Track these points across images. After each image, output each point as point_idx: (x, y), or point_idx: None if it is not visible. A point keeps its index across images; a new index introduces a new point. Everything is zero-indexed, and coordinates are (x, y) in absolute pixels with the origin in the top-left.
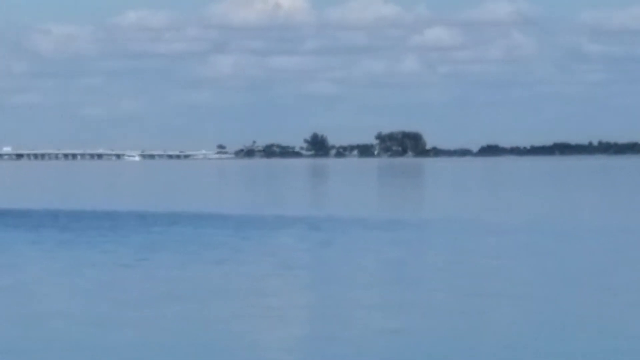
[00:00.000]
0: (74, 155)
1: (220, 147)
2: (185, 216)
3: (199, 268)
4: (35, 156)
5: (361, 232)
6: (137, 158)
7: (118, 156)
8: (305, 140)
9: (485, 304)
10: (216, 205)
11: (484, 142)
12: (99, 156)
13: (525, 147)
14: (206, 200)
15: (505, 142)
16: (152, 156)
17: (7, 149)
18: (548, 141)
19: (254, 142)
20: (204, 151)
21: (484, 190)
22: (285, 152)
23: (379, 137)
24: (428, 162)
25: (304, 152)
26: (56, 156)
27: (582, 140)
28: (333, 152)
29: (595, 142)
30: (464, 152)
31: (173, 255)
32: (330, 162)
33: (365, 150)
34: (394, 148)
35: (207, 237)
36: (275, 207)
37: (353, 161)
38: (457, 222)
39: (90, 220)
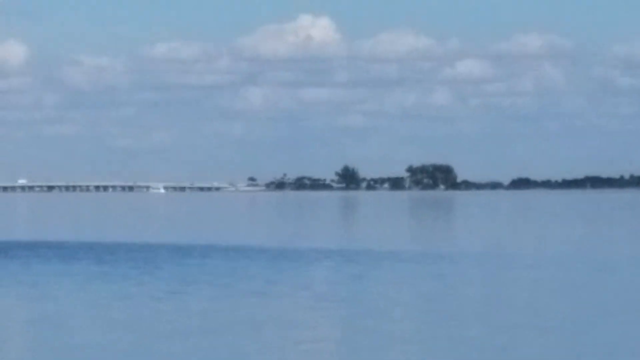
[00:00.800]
0: (105, 187)
1: (251, 179)
2: (218, 249)
3: (233, 301)
4: (67, 188)
5: (395, 265)
6: (162, 190)
7: (148, 188)
8: (336, 173)
9: (520, 338)
10: (249, 238)
11: (515, 175)
12: (130, 188)
13: (556, 180)
14: (238, 233)
15: (536, 175)
16: (182, 188)
17: (39, 181)
18: (579, 174)
19: (285, 174)
20: (234, 183)
21: (516, 223)
22: (316, 184)
23: (410, 169)
24: (459, 195)
25: (334, 184)
26: (87, 188)
27: (614, 173)
28: (364, 184)
29: (627, 176)
30: (494, 185)
31: (207, 288)
32: (361, 195)
33: (396, 183)
34: (425, 181)
35: (241, 269)
36: (307, 239)
37: (384, 194)
38: (491, 255)
39: (124, 252)
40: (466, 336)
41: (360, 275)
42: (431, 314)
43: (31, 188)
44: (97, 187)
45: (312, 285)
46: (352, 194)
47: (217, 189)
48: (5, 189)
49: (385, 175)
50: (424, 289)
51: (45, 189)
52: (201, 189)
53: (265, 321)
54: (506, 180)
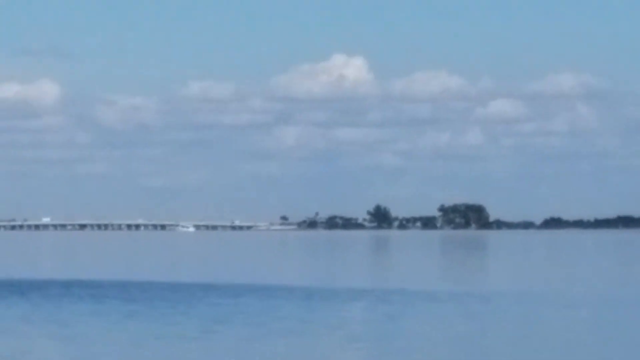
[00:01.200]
0: (137, 226)
1: (283, 218)
2: (251, 288)
3: (267, 340)
4: (99, 226)
5: (428, 305)
6: (191, 229)
7: (177, 227)
8: (368, 212)
9: None
10: (281, 277)
11: (547, 215)
12: (162, 227)
13: (588, 220)
14: (271, 272)
15: (568, 215)
16: (215, 227)
17: (72, 220)
18: (612, 214)
19: (317, 213)
20: (267, 222)
21: (549, 263)
22: (348, 223)
23: (442, 209)
24: (491, 234)
25: (366, 223)
26: (119, 226)
27: None
28: (396, 224)
29: None
30: (527, 225)
31: (240, 328)
32: (393, 234)
33: (428, 223)
34: (457, 220)
35: (274, 309)
36: (340, 279)
37: (416, 233)
38: (524, 295)
39: (156, 291)
40: None
41: (393, 315)
42: (466, 355)
43: (63, 226)
44: (128, 226)
45: (346, 324)
46: (384, 233)
47: (249, 227)
48: (37, 227)
49: (417, 214)
50: (458, 329)
51: (77, 227)
52: (233, 227)
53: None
54: (538, 220)
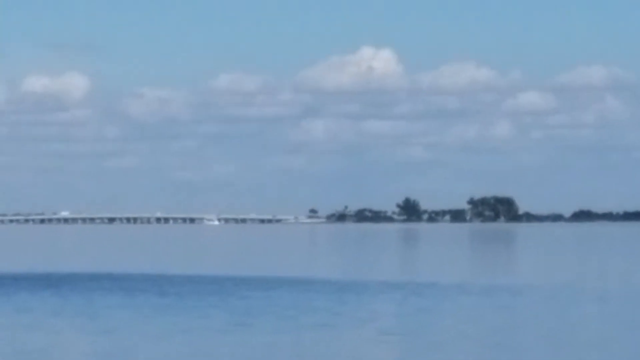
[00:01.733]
0: (166, 219)
1: (312, 211)
2: (282, 281)
3: (298, 333)
4: (128, 220)
5: (460, 298)
6: (216, 222)
7: (202, 220)
8: (397, 205)
9: None
10: (312, 270)
11: (577, 208)
12: (192, 220)
13: (618, 213)
14: (302, 265)
15: (598, 208)
16: (244, 220)
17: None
18: None
19: (346, 206)
20: (296, 216)
21: (580, 256)
22: (377, 216)
23: (471, 202)
24: (521, 227)
25: (395, 216)
26: (148, 220)
27: None
28: (425, 217)
29: None
30: (556, 217)
31: (271, 321)
32: (423, 227)
33: (457, 215)
34: (486, 213)
35: (305, 302)
36: (371, 272)
37: (445, 226)
38: (555, 289)
39: (187, 284)
40: None
41: (425, 308)
42: (498, 349)
43: (92, 220)
44: (158, 219)
45: (378, 318)
46: (413, 226)
47: (278, 220)
48: (66, 220)
49: (446, 207)
50: (491, 323)
51: (106, 220)
52: (262, 221)
53: (329, 355)
54: (567, 213)
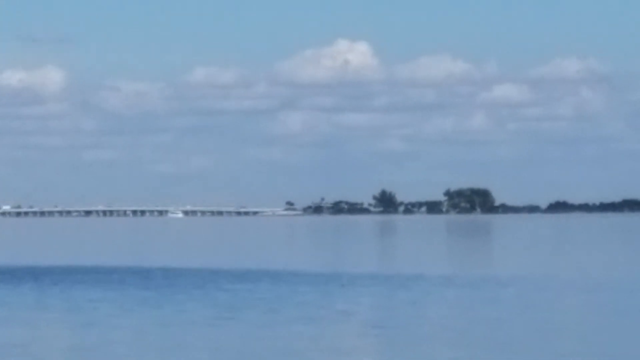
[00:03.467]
0: (142, 212)
1: (289, 203)
2: (263, 273)
3: (281, 327)
4: (104, 212)
5: (445, 290)
6: (180, 215)
7: (186, 212)
8: (374, 197)
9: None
10: (292, 263)
11: (553, 199)
12: (165, 212)
13: (594, 204)
14: (282, 258)
15: (574, 199)
16: (220, 213)
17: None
18: (617, 198)
19: (323, 198)
20: (272, 208)
21: (558, 247)
22: (354, 208)
23: (448, 193)
24: (497, 218)
25: (372, 208)
26: (125, 212)
27: None
28: (401, 208)
29: None
30: (532, 209)
31: (253, 314)
32: (399, 219)
33: (433, 207)
34: (462, 205)
35: (288, 295)
36: (353, 264)
37: (422, 218)
38: (539, 280)
39: (167, 277)
40: None
41: (411, 300)
42: (485, 341)
43: (68, 213)
44: (134, 212)
45: (362, 311)
46: (389, 217)
47: (255, 213)
48: (42, 213)
49: (422, 199)
50: (477, 315)
51: (82, 213)
52: (238, 213)
53: (316, 348)
54: (544, 204)
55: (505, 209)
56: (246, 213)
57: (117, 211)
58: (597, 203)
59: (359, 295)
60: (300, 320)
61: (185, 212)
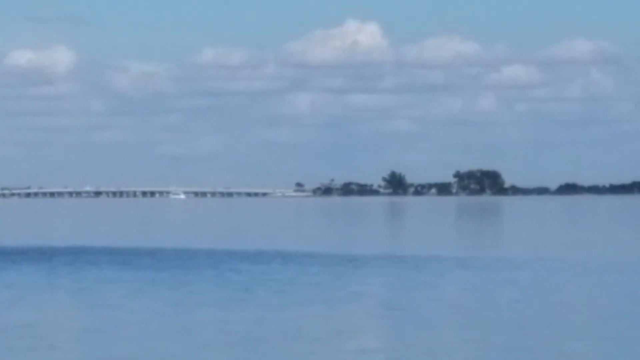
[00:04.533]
0: (152, 193)
1: (299, 185)
2: (274, 254)
3: (294, 308)
4: (114, 194)
5: (459, 272)
6: (182, 196)
7: (196, 194)
8: (383, 179)
9: (594, 347)
10: (306, 244)
11: (562, 181)
12: (177, 194)
13: (604, 186)
14: (293, 239)
15: (583, 181)
16: (230, 194)
17: (87, 187)
18: (627, 179)
19: (332, 180)
20: (282, 189)
21: (571, 229)
22: (363, 190)
23: (457, 175)
24: (507, 200)
25: (381, 190)
26: (134, 193)
27: None
28: (411, 190)
29: None
30: (542, 191)
31: (264, 295)
32: (409, 201)
33: (443, 189)
34: (472, 186)
35: (299, 276)
36: (364, 245)
37: (431, 199)
38: (555, 262)
39: (178, 258)
40: (537, 347)
41: (424, 282)
42: (504, 323)
43: (78, 194)
44: (144, 193)
45: (377, 292)
46: (399, 199)
47: (264, 194)
48: (52, 194)
49: (432, 180)
50: (495, 297)
51: (92, 194)
52: (248, 194)
53: (331, 330)
54: (553, 186)
55: (514, 190)
56: (256, 194)
57: (127, 192)
58: (607, 185)
59: (372, 277)
60: (313, 301)
61: (195, 193)
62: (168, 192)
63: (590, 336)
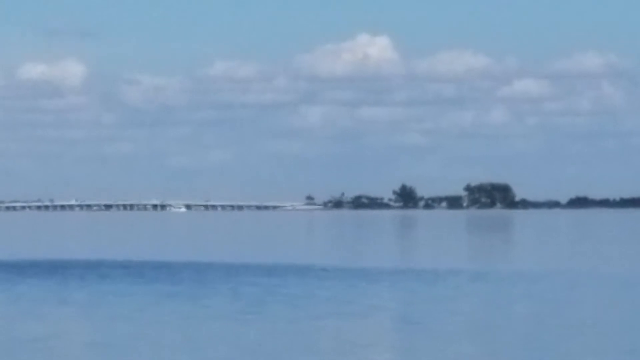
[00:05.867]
0: (163, 206)
1: (309, 198)
2: (289, 268)
3: (307, 322)
4: (125, 207)
5: (475, 286)
6: (183, 209)
7: (206, 207)
8: (394, 192)
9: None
10: (318, 258)
11: (573, 194)
12: (188, 207)
13: (614, 199)
14: (307, 253)
15: (594, 194)
16: (240, 207)
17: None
18: (638, 193)
19: (343, 193)
20: (292, 202)
21: (585, 243)
22: (374, 203)
23: (468, 188)
24: (518, 214)
25: (392, 203)
26: (145, 207)
27: None
28: (421, 203)
29: None
30: (552, 204)
31: (279, 309)
32: (420, 214)
33: (453, 202)
34: (483, 200)
35: (313, 289)
36: (377, 259)
37: (442, 213)
38: (571, 276)
39: (190, 271)
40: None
41: (439, 296)
42: (523, 337)
43: (89, 207)
44: (154, 206)
45: (391, 306)
46: (410, 212)
47: (275, 207)
48: (62, 207)
49: (442, 194)
50: (510, 311)
51: (102, 207)
52: (258, 207)
53: (347, 343)
54: (564, 199)
55: (525, 204)
56: (266, 207)
57: (137, 205)
58: (618, 198)
59: (386, 290)
60: (328, 315)
61: (205, 206)
62: (170, 206)
63: (605, 350)
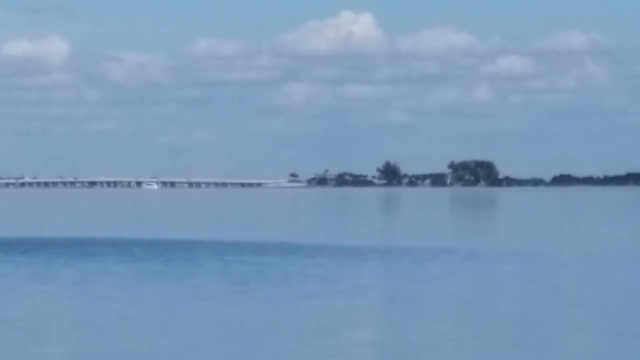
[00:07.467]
0: (149, 183)
1: (293, 175)
2: (275, 246)
3: (294, 301)
4: (108, 184)
5: (465, 264)
6: (155, 187)
7: (190, 184)
8: (378, 169)
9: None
10: (304, 235)
11: (557, 172)
12: (172, 184)
13: (598, 177)
14: (293, 230)
15: (578, 172)
16: (224, 184)
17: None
18: (621, 171)
19: (327, 170)
20: (276, 180)
21: (571, 221)
22: (358, 180)
23: (452, 166)
24: (502, 191)
25: (376, 180)
26: (128, 184)
27: None
28: (405, 181)
29: None
30: (536, 182)
31: (265, 288)
32: (404, 191)
33: (437, 180)
34: (467, 177)
35: (302, 268)
36: (364, 237)
37: (426, 190)
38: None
39: (175, 249)
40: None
41: (428, 275)
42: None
43: (72, 184)
44: (138, 183)
45: (379, 285)
46: (394, 190)
47: (259, 185)
48: (46, 184)
49: (426, 171)
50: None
51: (86, 184)
52: (242, 185)
53: (336, 322)
54: (548, 177)
55: (509, 181)
56: (250, 185)
57: (121, 182)
58: (601, 176)
59: (375, 269)
60: (316, 294)
61: (189, 184)
62: (164, 183)
63: (594, 329)
